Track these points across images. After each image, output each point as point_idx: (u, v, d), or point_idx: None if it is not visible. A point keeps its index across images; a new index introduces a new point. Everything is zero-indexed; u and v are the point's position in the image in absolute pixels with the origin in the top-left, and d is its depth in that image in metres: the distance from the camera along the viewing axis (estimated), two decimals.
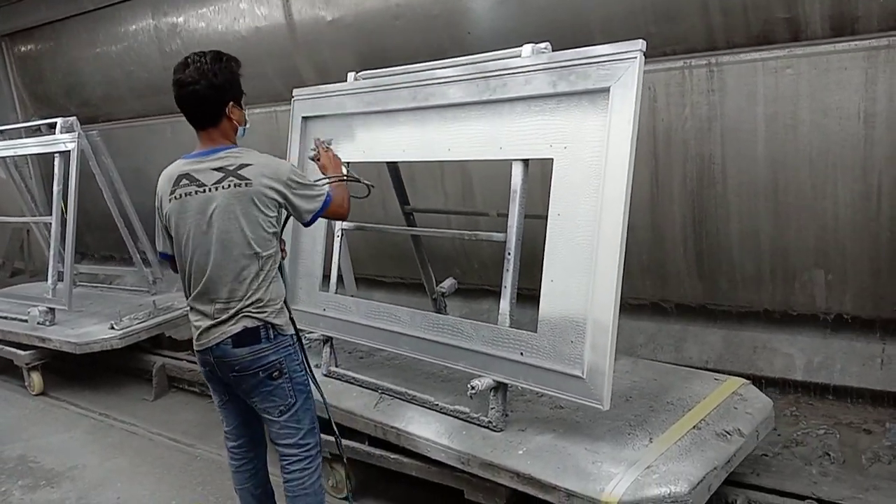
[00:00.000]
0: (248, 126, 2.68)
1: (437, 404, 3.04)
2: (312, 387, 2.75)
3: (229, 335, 2.49)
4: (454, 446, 2.80)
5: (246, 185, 2.46)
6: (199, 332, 2.57)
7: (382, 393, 3.28)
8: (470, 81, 2.91)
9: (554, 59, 2.65)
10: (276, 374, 2.55)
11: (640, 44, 2.44)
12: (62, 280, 5.38)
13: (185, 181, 2.51)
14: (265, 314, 2.52)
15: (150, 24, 6.30)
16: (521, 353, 2.72)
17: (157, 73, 6.39)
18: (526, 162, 2.79)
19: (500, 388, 2.81)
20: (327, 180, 2.88)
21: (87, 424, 4.78)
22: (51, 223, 5.37)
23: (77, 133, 5.26)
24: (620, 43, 2.48)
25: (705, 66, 3.75)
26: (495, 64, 2.85)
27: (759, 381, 4.09)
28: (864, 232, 3.63)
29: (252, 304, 2.50)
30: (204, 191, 2.47)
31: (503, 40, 3.89)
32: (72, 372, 5.58)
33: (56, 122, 5.41)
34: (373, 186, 3.09)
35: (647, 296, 4.53)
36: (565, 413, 2.93)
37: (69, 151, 5.23)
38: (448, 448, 2.83)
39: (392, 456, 3.15)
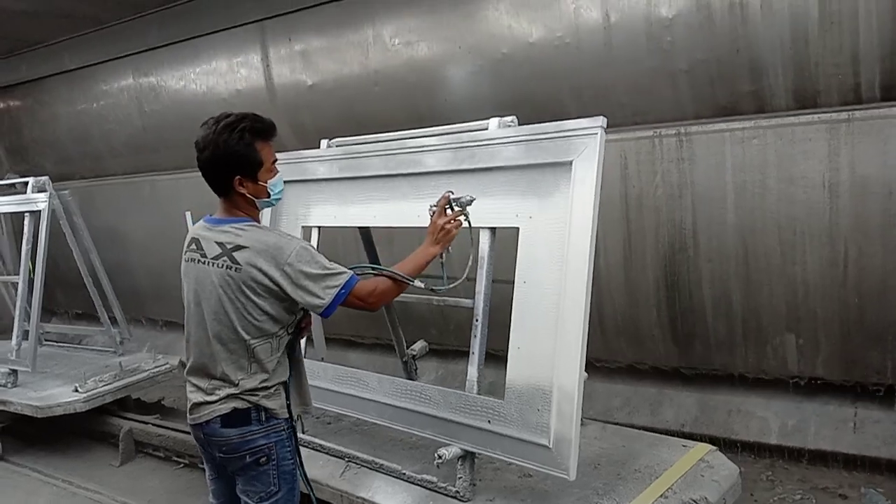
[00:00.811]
0: (276, 195, 2.42)
1: (405, 473, 3.00)
2: (298, 475, 2.58)
3: (218, 414, 2.35)
4: None
5: (236, 270, 2.26)
6: (191, 405, 2.43)
7: (349, 461, 3.23)
8: (439, 152, 3.00)
9: (519, 133, 2.75)
10: (263, 459, 2.38)
11: (601, 120, 2.54)
12: (27, 339, 5.27)
13: (194, 246, 2.38)
14: (257, 397, 2.35)
15: (131, 83, 6.36)
16: (489, 421, 2.70)
17: (136, 132, 6.43)
18: (493, 230, 2.85)
19: (467, 456, 2.79)
20: (370, 270, 2.65)
21: (49, 492, 4.61)
22: (17, 283, 5.28)
23: (49, 193, 5.23)
24: (583, 119, 2.58)
25: (675, 135, 3.87)
26: (464, 136, 2.94)
27: (735, 445, 4.11)
28: (833, 297, 3.71)
29: (243, 389, 2.34)
30: (205, 263, 2.32)
31: (478, 108, 4.02)
32: (34, 436, 5.40)
33: (28, 181, 5.38)
34: (434, 291, 2.79)
35: (622, 359, 4.54)
36: (533, 482, 2.91)
37: (40, 211, 5.20)
38: None
39: None
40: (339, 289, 2.29)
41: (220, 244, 2.30)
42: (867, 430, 3.81)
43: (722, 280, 3.95)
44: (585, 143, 2.54)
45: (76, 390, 4.91)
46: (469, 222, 2.65)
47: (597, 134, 2.52)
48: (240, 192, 2.33)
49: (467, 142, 2.90)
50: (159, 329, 7.30)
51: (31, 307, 5.21)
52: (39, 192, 5.30)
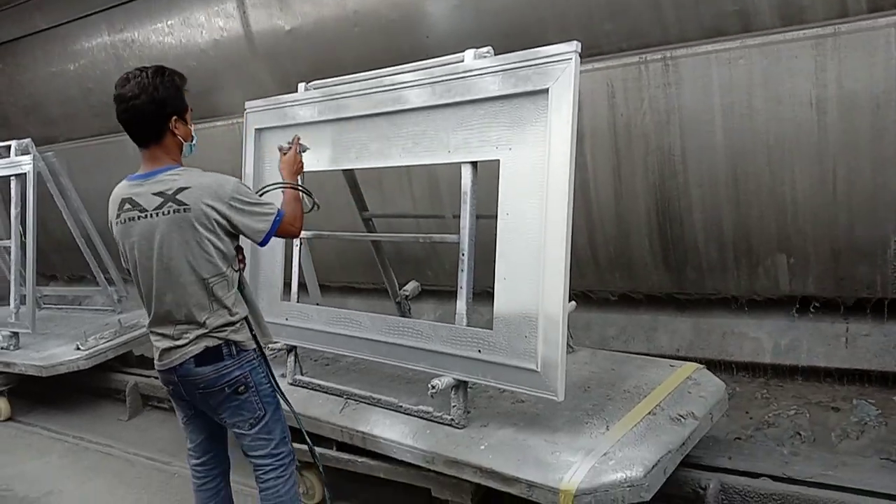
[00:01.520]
0: (195, 142, 2.60)
1: (401, 406, 3.09)
2: (279, 398, 2.73)
3: (191, 355, 2.47)
4: (418, 446, 2.85)
5: (185, 210, 2.37)
6: (160, 352, 2.54)
7: (347, 398, 3.31)
8: (416, 87, 2.98)
9: (494, 63, 2.73)
10: (241, 388, 2.53)
11: (575, 45, 2.52)
12: (24, 303, 5.30)
13: (127, 206, 2.45)
14: (225, 333, 2.50)
15: (106, 40, 6.24)
16: (479, 351, 2.78)
17: None
18: (474, 164, 2.85)
19: (460, 386, 2.87)
20: (272, 187, 2.92)
21: (62, 448, 4.71)
22: (10, 247, 5.29)
23: (33, 155, 5.19)
24: (557, 45, 2.56)
25: (661, 59, 3.81)
26: (439, 70, 2.92)
27: (730, 366, 4.19)
28: (823, 215, 3.72)
29: (211, 328, 2.47)
30: (146, 216, 2.41)
31: (462, 43, 3.91)
32: (42, 396, 5.49)
33: (10, 145, 5.32)
34: (318, 207, 3.07)
35: (616, 288, 4.59)
36: (526, 406, 3.00)
37: (25, 174, 5.16)
38: (413, 448, 2.88)
39: (360, 460, 3.19)
40: (274, 216, 2.53)
41: (159, 194, 2.40)
42: (858, 343, 3.88)
43: (712, 204, 3.96)
44: (561, 69, 2.53)
45: (78, 348, 4.99)
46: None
47: (571, 59, 2.51)
48: (173, 133, 2.47)
49: (443, 75, 2.89)
50: None
51: (25, 270, 5.22)
52: (23, 154, 5.26)
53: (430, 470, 2.84)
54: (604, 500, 2.38)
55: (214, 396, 2.53)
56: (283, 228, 2.60)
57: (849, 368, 3.87)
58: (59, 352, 5.05)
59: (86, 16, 6.26)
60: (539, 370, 2.59)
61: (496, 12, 4.12)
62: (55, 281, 8.40)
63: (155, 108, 2.41)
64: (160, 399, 5.01)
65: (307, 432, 2.98)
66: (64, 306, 6.52)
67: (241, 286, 2.63)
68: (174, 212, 2.38)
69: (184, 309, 2.46)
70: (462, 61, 2.86)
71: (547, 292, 2.55)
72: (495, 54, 2.77)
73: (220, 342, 2.49)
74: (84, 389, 5.48)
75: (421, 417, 2.99)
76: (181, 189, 2.39)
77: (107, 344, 5.09)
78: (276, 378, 2.74)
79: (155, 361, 2.59)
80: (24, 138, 5.40)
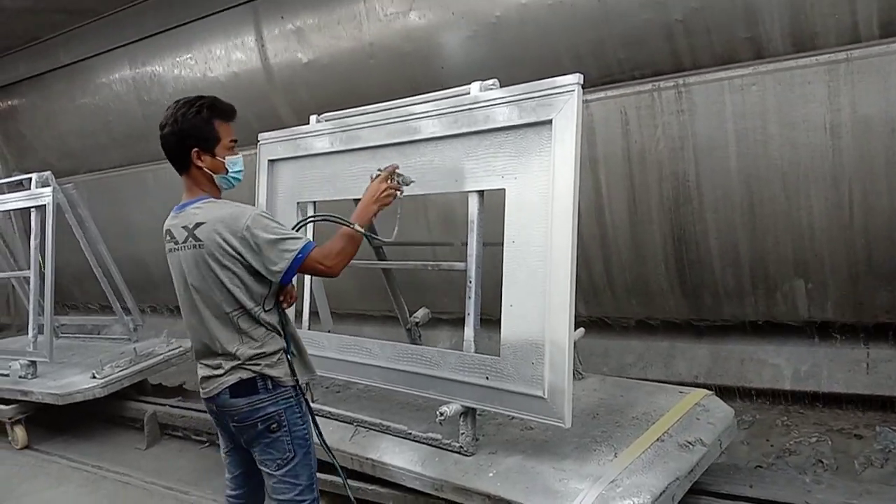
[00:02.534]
0: (233, 174, 2.49)
1: (411, 433, 3.09)
2: (316, 438, 2.63)
3: (226, 385, 2.44)
4: (427, 473, 2.85)
5: (199, 246, 2.35)
6: (200, 379, 2.53)
7: (358, 425, 3.31)
8: (424, 119, 3.04)
9: (500, 95, 2.79)
10: (274, 426, 2.45)
11: (578, 77, 2.56)
12: (43, 333, 5.37)
13: (168, 237, 2.48)
14: (259, 366, 2.43)
15: (128, 74, 6.38)
16: (487, 378, 2.78)
17: (137, 121, 6.45)
18: (481, 193, 2.89)
19: (468, 413, 2.88)
20: (308, 220, 2.84)
21: (80, 477, 4.71)
22: (30, 277, 5.37)
23: (53, 187, 5.29)
24: (560, 77, 2.61)
25: (673, 87, 3.85)
26: (446, 102, 2.98)
27: (750, 393, 4.15)
28: (840, 240, 3.71)
29: (244, 359, 2.42)
30: (178, 249, 2.42)
31: (476, 73, 3.97)
32: (61, 425, 5.51)
33: (31, 178, 5.44)
34: (381, 244, 2.89)
35: (633, 315, 4.57)
36: (534, 434, 3.00)
37: (45, 206, 5.26)
38: (422, 475, 2.88)
39: (370, 487, 3.18)
40: (295, 253, 2.33)
41: (184, 227, 2.39)
42: (880, 369, 3.84)
43: (728, 230, 3.96)
44: (564, 101, 2.58)
45: (94, 376, 5.03)
46: (401, 194, 2.73)
47: (574, 91, 2.56)
48: (198, 166, 2.41)
49: (450, 107, 2.95)
50: (174, 316, 7.38)
51: (44, 300, 5.30)
52: (43, 186, 5.36)
53: (438, 497, 2.84)
54: None
55: (247, 431, 2.48)
56: (309, 266, 2.39)
57: (871, 395, 3.82)
58: (76, 380, 5.09)
59: (108, 51, 6.42)
60: (546, 397, 2.60)
61: (509, 43, 4.19)
62: (74, 311, 8.49)
63: (176, 140, 2.41)
64: (178, 428, 5.02)
65: (320, 459, 2.95)
66: (82, 335, 6.58)
67: (284, 323, 2.53)
68: (193, 248, 2.37)
69: (217, 342, 2.43)
70: (468, 93, 2.93)
71: (553, 319, 2.57)
72: (502, 85, 2.83)
73: (254, 374, 2.43)
74: (102, 418, 5.50)
75: (430, 445, 2.99)
76: (198, 224, 2.36)
77: (122, 372, 5.13)
78: (316, 419, 2.66)
79: (200, 389, 2.57)
80: (46, 170, 5.50)
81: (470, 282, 2.88)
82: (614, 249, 4.35)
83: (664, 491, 2.46)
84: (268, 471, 2.52)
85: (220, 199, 2.49)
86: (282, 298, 2.52)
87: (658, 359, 4.49)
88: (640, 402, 3.18)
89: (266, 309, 2.45)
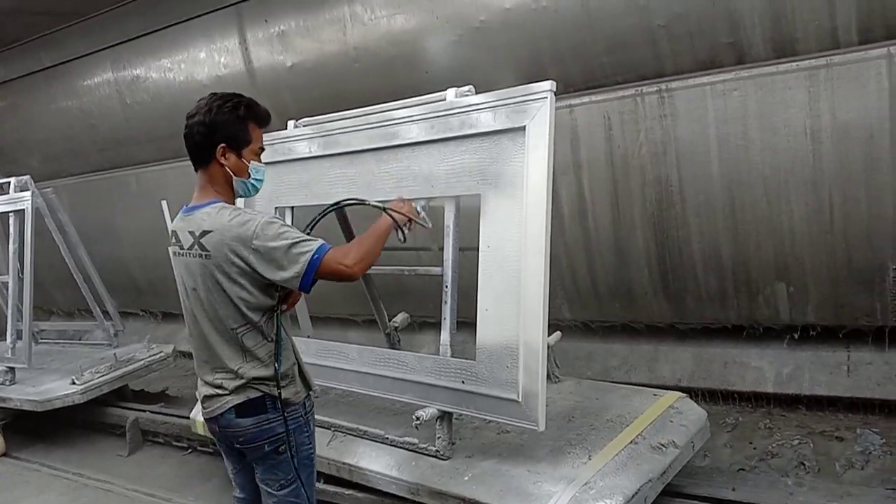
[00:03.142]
0: (253, 181, 2.34)
1: (388, 437, 3.11)
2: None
3: (232, 405, 2.28)
4: (403, 477, 2.88)
5: (206, 257, 2.18)
6: (202, 398, 2.38)
7: (335, 430, 3.33)
8: (401, 125, 3.07)
9: (474, 102, 2.83)
10: (282, 447, 2.32)
11: (550, 84, 2.61)
12: (21, 338, 5.31)
13: (173, 239, 2.32)
14: (267, 387, 2.28)
15: (110, 77, 6.32)
16: (463, 382, 2.82)
17: (120, 125, 6.40)
18: (457, 199, 2.92)
19: (444, 417, 2.90)
20: (330, 209, 2.71)
21: (60, 485, 4.66)
22: (7, 282, 5.31)
23: (31, 191, 5.24)
24: (533, 84, 2.65)
25: (656, 92, 3.87)
26: (422, 108, 3.02)
27: (732, 396, 4.17)
28: (820, 244, 3.74)
29: (248, 379, 2.26)
30: (183, 255, 2.27)
31: (460, 78, 3.97)
32: (41, 432, 5.45)
33: (10, 182, 5.38)
34: (403, 237, 2.58)
35: (617, 318, 4.58)
36: (510, 437, 3.03)
37: (23, 210, 5.21)
38: (398, 479, 2.91)
39: (346, 492, 3.20)
40: (311, 255, 2.14)
41: (191, 233, 2.23)
42: (860, 372, 3.87)
43: (710, 234, 3.98)
44: (537, 108, 2.62)
45: (73, 383, 4.99)
46: (408, 226, 2.58)
47: (546, 97, 2.61)
48: (220, 164, 2.25)
49: (425, 113, 2.98)
50: (158, 321, 7.32)
51: (22, 305, 5.24)
52: (22, 191, 5.31)
53: (415, 501, 2.86)
54: None
55: (253, 452, 2.35)
56: (327, 267, 2.17)
57: (851, 397, 3.84)
58: (55, 386, 5.04)
59: (90, 53, 6.37)
60: (520, 400, 2.64)
61: (494, 48, 4.19)
62: (55, 316, 8.40)
63: (205, 131, 2.22)
64: (160, 434, 4.98)
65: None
66: (62, 341, 6.51)
67: (284, 331, 2.36)
68: (199, 256, 2.20)
69: (218, 357, 2.27)
70: (444, 100, 2.96)
71: (526, 323, 2.61)
72: (487, 91, 2.85)
73: (262, 394, 2.28)
74: (83, 425, 5.44)
75: (407, 449, 3.02)
76: (205, 232, 2.19)
77: (102, 378, 5.09)
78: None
79: (201, 408, 2.44)
80: (27, 174, 5.45)
81: (446, 286, 2.91)
82: (598, 253, 4.36)
83: (637, 492, 2.51)
84: (269, 490, 2.41)
85: (231, 204, 2.31)
86: (284, 305, 2.38)
87: (642, 362, 4.50)
88: (615, 404, 3.23)
89: (270, 317, 2.30)
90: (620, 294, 4.44)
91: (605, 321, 4.64)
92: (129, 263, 6.96)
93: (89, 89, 6.56)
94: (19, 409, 5.03)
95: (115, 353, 5.41)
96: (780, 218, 3.77)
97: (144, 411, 5.12)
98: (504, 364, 2.68)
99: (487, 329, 2.74)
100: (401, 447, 3.02)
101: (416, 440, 2.99)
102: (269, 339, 2.29)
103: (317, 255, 2.15)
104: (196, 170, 2.31)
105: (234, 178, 2.29)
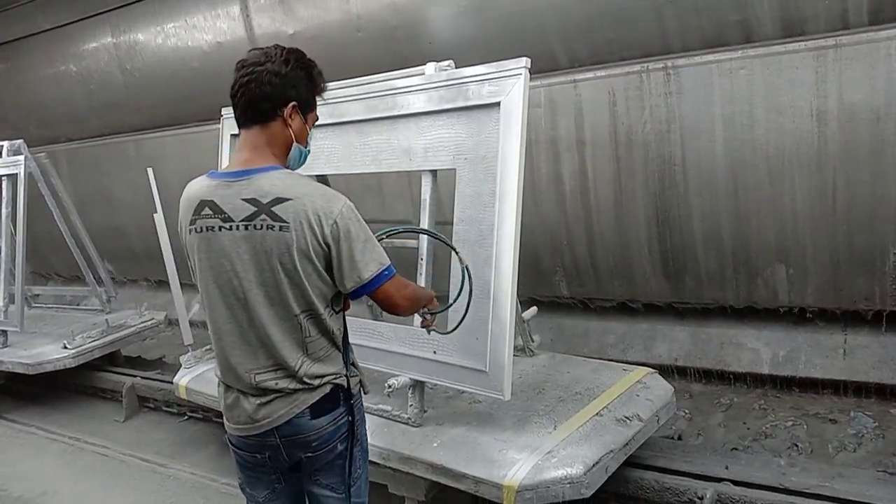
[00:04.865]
0: (307, 152, 2.07)
1: None
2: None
3: (307, 405, 1.97)
4: (375, 443, 2.91)
5: (281, 228, 1.83)
6: (243, 413, 2.00)
7: None
8: (380, 98, 3.11)
9: (452, 77, 2.87)
10: (353, 442, 2.07)
11: (525, 61, 2.65)
12: (14, 302, 5.33)
13: (207, 210, 1.90)
14: (338, 378, 2.03)
15: (110, 41, 6.23)
16: (435, 352, 2.91)
17: (118, 90, 6.33)
18: (434, 173, 2.98)
19: (416, 385, 2.99)
20: (397, 231, 2.40)
21: (57, 449, 4.70)
22: (0, 246, 5.32)
23: (24, 156, 5.22)
24: (509, 60, 2.70)
25: (662, 69, 3.82)
26: (402, 82, 3.05)
27: (728, 376, 4.19)
28: (822, 226, 3.73)
29: (314, 374, 1.98)
30: (230, 228, 1.87)
31: (463, 49, 3.96)
32: (37, 395, 5.49)
33: (3, 146, 5.35)
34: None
35: (615, 296, 4.58)
36: (481, 407, 3.11)
37: (16, 174, 5.19)
38: (370, 445, 2.92)
39: None
40: (382, 268, 1.93)
41: (251, 201, 1.85)
42: (857, 355, 3.88)
43: (712, 214, 3.96)
44: (511, 84, 2.68)
45: (65, 347, 5.04)
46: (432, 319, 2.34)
47: (521, 74, 2.66)
48: (287, 123, 1.95)
49: (405, 87, 3.03)
50: (155, 288, 7.32)
51: (15, 269, 5.25)
52: (15, 155, 5.29)
53: (385, 466, 2.93)
54: (545, 496, 2.49)
55: (324, 456, 2.03)
56: (385, 290, 1.95)
57: (847, 380, 3.86)
58: (47, 350, 5.09)
59: (89, 17, 6.27)
60: (487, 370, 2.72)
61: (498, 19, 4.13)
62: (52, 281, 8.39)
63: (278, 83, 1.90)
64: (157, 400, 5.00)
65: None
66: (56, 306, 6.54)
67: (345, 330, 2.11)
68: (268, 227, 1.84)
69: (271, 351, 1.94)
70: (423, 74, 2.98)
71: (497, 297, 2.68)
72: (457, 66, 2.90)
73: (333, 387, 2.01)
74: (80, 390, 5.48)
75: (380, 416, 3.08)
76: (279, 200, 1.84)
77: (93, 343, 5.14)
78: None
79: (231, 424, 2.05)
80: (23, 138, 5.42)
81: (421, 259, 2.98)
82: (598, 231, 4.35)
83: (598, 462, 2.58)
84: (333, 494, 2.09)
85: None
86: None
87: (638, 341, 4.52)
88: (585, 378, 3.32)
89: (336, 311, 2.02)
90: (620, 272, 4.43)
91: (603, 299, 4.64)
92: (127, 231, 6.93)
93: (87, 54, 6.47)
94: (11, 371, 5.08)
95: (106, 319, 5.46)
96: (782, 199, 3.75)
97: (138, 377, 5.15)
98: (474, 336, 2.75)
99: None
100: (375, 414, 3.08)
101: (389, 407, 3.07)
102: (329, 332, 2.00)
103: (387, 273, 1.95)
104: (245, 126, 1.97)
105: (294, 143, 2.00)
